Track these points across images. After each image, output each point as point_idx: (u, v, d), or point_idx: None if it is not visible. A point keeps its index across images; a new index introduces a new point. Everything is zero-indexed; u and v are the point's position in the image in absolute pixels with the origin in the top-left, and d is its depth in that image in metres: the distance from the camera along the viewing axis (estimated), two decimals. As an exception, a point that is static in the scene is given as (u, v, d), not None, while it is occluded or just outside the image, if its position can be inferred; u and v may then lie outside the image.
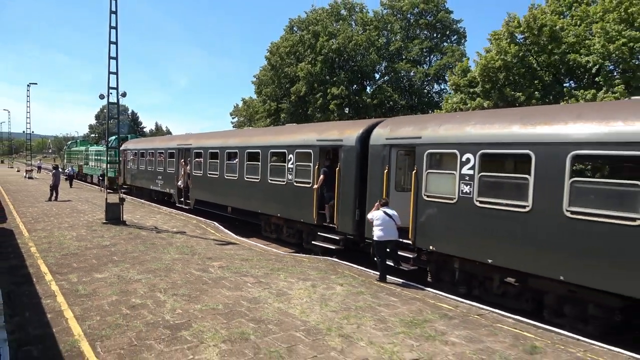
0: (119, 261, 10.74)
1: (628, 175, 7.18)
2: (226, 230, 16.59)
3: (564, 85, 18.02)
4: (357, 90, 35.22)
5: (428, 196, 9.81)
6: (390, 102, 34.38)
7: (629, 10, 15.45)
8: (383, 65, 37.66)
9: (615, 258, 6.86)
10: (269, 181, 15.04)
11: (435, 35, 36.64)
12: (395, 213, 9.69)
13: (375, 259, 10.07)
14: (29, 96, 47.53)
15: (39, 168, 55.55)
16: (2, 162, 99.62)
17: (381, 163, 11.03)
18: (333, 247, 12.50)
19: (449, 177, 9.37)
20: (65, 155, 54.45)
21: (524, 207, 7.99)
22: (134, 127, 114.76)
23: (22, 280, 9.11)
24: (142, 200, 25.71)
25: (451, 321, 7.46)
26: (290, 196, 14.06)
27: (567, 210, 7.37)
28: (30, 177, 41.63)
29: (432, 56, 36.94)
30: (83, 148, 45.04)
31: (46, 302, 7.79)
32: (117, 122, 18.84)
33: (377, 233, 9.51)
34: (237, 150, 17.05)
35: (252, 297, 8.33)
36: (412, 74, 36.27)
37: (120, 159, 31.08)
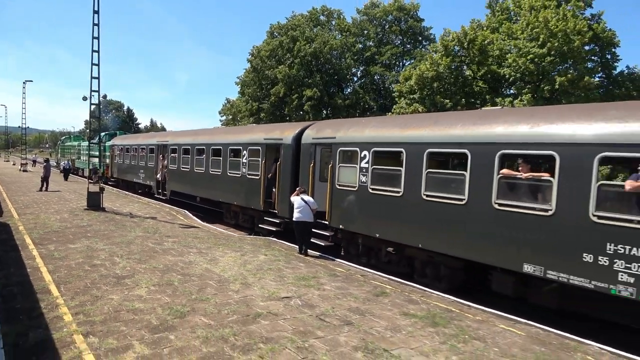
0: (90, 237, 13.05)
1: (456, 167, 9.51)
2: (193, 217, 18.94)
3: (490, 93, 20.35)
4: (333, 92, 37.51)
5: (339, 185, 12.18)
6: (363, 104, 36.71)
7: (534, 31, 17.78)
8: (360, 68, 39.97)
9: (454, 230, 9.21)
10: (228, 174, 17.39)
11: (406, 41, 38.95)
12: (312, 199, 12.05)
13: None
14: (24, 93, 49.79)
15: (34, 162, 57.68)
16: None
17: (309, 158, 13.39)
18: (274, 229, 14.86)
19: (352, 169, 11.74)
20: (59, 150, 56.60)
21: (398, 192, 10.36)
22: (129, 123, 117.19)
23: (10, 249, 11.40)
24: (126, 192, 28.01)
25: (335, 278, 9.83)
26: (244, 187, 16.40)
27: (424, 194, 9.74)
28: (25, 170, 43.83)
29: (403, 60, 39.25)
30: (76, 143, 47.26)
31: (27, 262, 10.08)
32: (99, 121, 20.90)
33: (295, 215, 11.86)
34: (204, 147, 19.39)
35: (188, 261, 10.68)
36: (385, 77, 38.60)
37: (109, 153, 33.54)
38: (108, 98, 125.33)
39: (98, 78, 19.33)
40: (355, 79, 40.83)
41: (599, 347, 6.72)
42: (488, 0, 21.49)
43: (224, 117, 51.88)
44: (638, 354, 6.49)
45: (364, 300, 8.33)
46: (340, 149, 12.20)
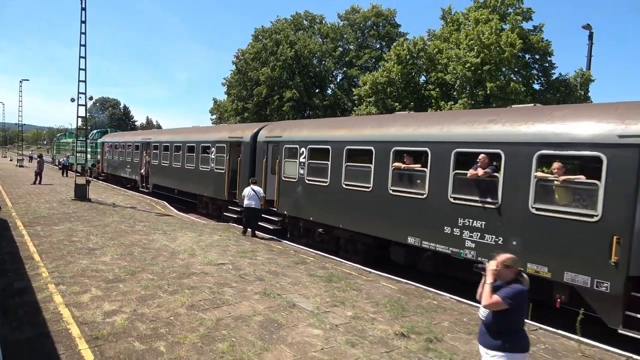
0: (73, 221, 15.15)
1: (365, 161, 11.60)
2: (170, 207, 21.05)
3: (441, 97, 22.50)
4: (315, 93, 39.59)
5: (285, 177, 14.31)
6: (342, 104, 38.81)
7: (471, 42, 19.85)
8: (340, 71, 42.06)
9: (364, 212, 11.32)
10: (200, 169, 19.51)
11: (384, 45, 41.01)
12: (260, 189, 14.18)
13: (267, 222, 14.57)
14: (21, 92, 51.77)
15: (31, 158, 59.63)
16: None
17: (262, 154, 15.51)
18: (236, 216, 16.96)
19: (294, 163, 13.86)
20: (55, 147, 58.55)
21: (325, 182, 12.49)
22: (125, 121, 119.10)
23: (3, 229, 13.49)
24: (114, 186, 30.12)
25: (270, 252, 11.96)
26: (212, 180, 18.51)
27: (344, 184, 11.87)
28: (21, 166, 45.88)
29: (380, 64, 41.35)
30: (70, 140, 49.24)
31: (17, 239, 12.18)
32: (86, 121, 22.85)
33: (245, 202, 13.98)
34: (180, 145, 21.51)
35: (152, 239, 12.81)
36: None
37: (99, 150, 35.63)
38: (105, 96, 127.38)
39: (85, 81, 21.38)
40: (338, 80, 42.87)
41: (449, 297, 8.86)
42: (442, 12, 23.63)
43: (214, 116, 54.10)
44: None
45: (284, 267, 10.46)
46: (286, 146, 14.32)
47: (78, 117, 21.54)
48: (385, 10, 40.60)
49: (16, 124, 58.45)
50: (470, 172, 8.85)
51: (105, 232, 13.49)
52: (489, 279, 4.11)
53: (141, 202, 22.19)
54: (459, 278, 9.68)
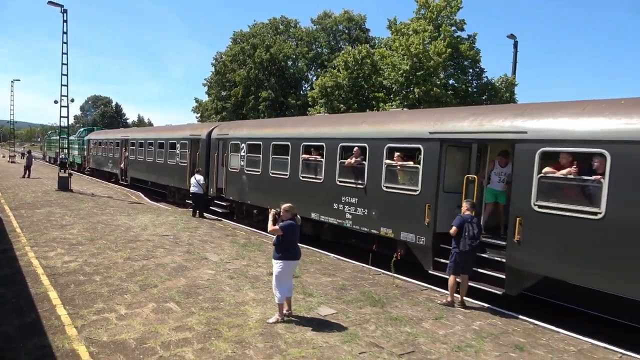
0: (53, 206, 17.83)
1: (286, 154, 14.31)
2: (143, 197, 23.73)
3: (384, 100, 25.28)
4: (290, 93, 42.28)
5: (230, 168, 17.04)
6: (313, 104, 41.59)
7: (402, 52, 22.64)
8: (314, 73, 44.76)
9: (285, 195, 14.03)
10: (168, 162, 22.21)
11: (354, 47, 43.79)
12: (202, 178, 16.86)
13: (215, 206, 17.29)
14: (12, 92, 54.18)
15: (23, 154, 62.01)
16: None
17: (215, 150, 18.23)
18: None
19: (237, 157, 16.59)
20: (46, 144, 60.96)
21: (258, 171, 15.24)
22: (117, 119, 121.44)
23: (-7, 212, 16.17)
24: (98, 179, 32.75)
25: (211, 228, 14.69)
26: (178, 172, 21.20)
27: (271, 172, 14.62)
28: (12, 162, 48.35)
29: (328, 69, 44.03)
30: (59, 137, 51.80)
31: (4, 219, 14.84)
32: (67, 120, 25.40)
33: (192, 189, 16.71)
34: (153, 141, 24.19)
35: (115, 219, 15.51)
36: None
37: (85, 147, 38.23)
38: (97, 94, 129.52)
39: (67, 85, 24.01)
40: (313, 81, 45.54)
41: (321, 252, 11.61)
42: (388, 22, 26.38)
43: (197, 115, 56.79)
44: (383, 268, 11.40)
45: (215, 237, 13.21)
46: (231, 142, 17.05)
47: (61, 117, 24.16)
48: (356, 16, 43.34)
49: (9, 121, 60.72)
50: (347, 161, 11.63)
51: (78, 214, 16.18)
52: (271, 217, 6.88)
53: (118, 192, 24.86)
54: (348, 244, 12.47)
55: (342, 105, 25.29)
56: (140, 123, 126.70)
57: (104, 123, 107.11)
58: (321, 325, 6.79)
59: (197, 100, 47.52)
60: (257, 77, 41.15)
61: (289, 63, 43.61)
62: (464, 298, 8.27)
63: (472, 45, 24.76)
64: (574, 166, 7.41)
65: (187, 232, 13.73)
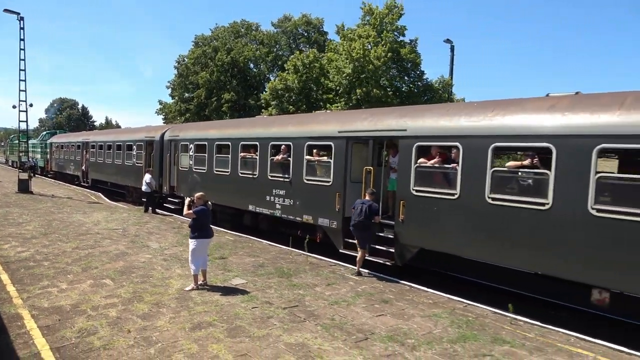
0: (12, 207, 18.74)
1: (227, 152, 15.73)
2: (104, 198, 24.70)
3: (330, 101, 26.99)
4: (250, 95, 43.54)
5: (181, 167, 18.34)
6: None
7: (345, 56, 24.41)
8: (275, 74, 46.09)
9: (225, 190, 15.44)
10: (126, 164, 23.28)
11: (305, 52, 45.41)
12: (149, 177, 18.11)
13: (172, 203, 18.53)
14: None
15: (-15, 160, 61.24)
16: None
17: (167, 150, 19.48)
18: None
19: (186, 156, 17.90)
20: (8, 148, 60.43)
21: (205, 170, 16.60)
22: (84, 121, 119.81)
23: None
24: (60, 182, 33.36)
25: (160, 223, 15.98)
26: (134, 172, 22.31)
27: (215, 170, 16.00)
28: (-26, 167, 48.06)
29: (277, 73, 45.55)
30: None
31: (-38, 218, 15.80)
32: (26, 124, 26.07)
33: (143, 187, 17.95)
34: (111, 144, 25.19)
35: (71, 216, 16.63)
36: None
37: (48, 150, 38.62)
38: (63, 96, 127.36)
39: (25, 90, 24.75)
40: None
41: (248, 237, 13.10)
42: (336, 28, 28.11)
43: (161, 116, 57.40)
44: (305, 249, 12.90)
45: (161, 230, 14.53)
46: (181, 143, 18.36)
47: (20, 121, 24.90)
48: (314, 19, 44.91)
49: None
50: (276, 158, 13.15)
51: (35, 213, 17.21)
52: (186, 204, 8.34)
53: (78, 194, 25.75)
54: (280, 232, 13.99)
55: (291, 107, 26.90)
56: (108, 125, 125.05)
57: (71, 126, 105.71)
58: (229, 291, 8.29)
59: (161, 102, 48.34)
60: (219, 79, 42.30)
61: (251, 65, 44.87)
62: (360, 269, 9.91)
63: (413, 49, 26.67)
64: (438, 157, 9.12)
65: (136, 226, 15.00)
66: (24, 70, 24.63)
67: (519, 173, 8.14)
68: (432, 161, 9.26)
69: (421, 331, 6.71)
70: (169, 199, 19.26)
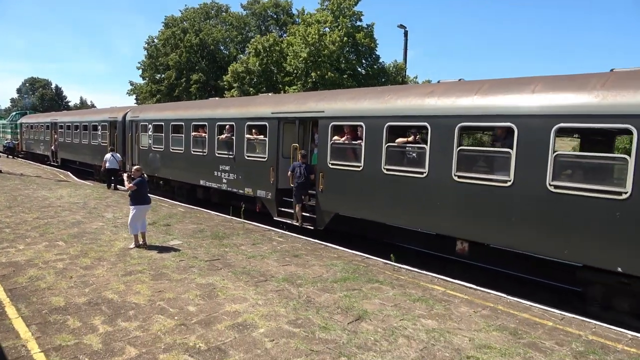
0: (-20, 184, 19.73)
1: (182, 132, 16.99)
2: (72, 176, 25.70)
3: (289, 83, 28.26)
4: (218, 76, 44.31)
5: (141, 147, 19.53)
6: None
7: (301, 40, 25.72)
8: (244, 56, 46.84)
9: (180, 167, 16.74)
10: (92, 143, 24.29)
11: (283, 32, 46.22)
12: (118, 155, 19.31)
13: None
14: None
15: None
16: None
17: (129, 130, 20.60)
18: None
19: (146, 136, 19.09)
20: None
21: (161, 148, 17.84)
22: (58, 102, 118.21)
23: None
24: (31, 162, 34.07)
25: (120, 197, 17.22)
26: (100, 151, 23.35)
27: (171, 148, 17.26)
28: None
29: (239, 56, 46.40)
30: (-6, 122, 51.57)
31: None
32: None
33: (107, 165, 19.12)
34: (78, 124, 26.09)
35: (36, 192, 17.75)
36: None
37: (18, 130, 39.09)
38: (35, 76, 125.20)
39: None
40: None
41: (199, 209, 14.53)
42: (297, 13, 29.10)
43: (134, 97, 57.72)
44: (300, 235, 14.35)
45: (119, 204, 15.81)
46: (141, 123, 19.51)
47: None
48: (282, 2, 45.61)
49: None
50: (221, 137, 14.52)
51: (2, 190, 18.27)
52: (126, 178, 9.70)
53: (47, 173, 26.68)
54: (227, 204, 15.44)
55: (251, 89, 28.08)
56: (83, 106, 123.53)
57: (44, 106, 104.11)
58: (165, 249, 9.75)
59: (132, 84, 48.76)
60: (188, 60, 42.94)
61: (221, 47, 45.53)
62: (303, 223, 11.53)
63: (369, 34, 27.95)
64: (349, 135, 10.63)
65: (96, 200, 16.27)
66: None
67: (406, 148, 9.68)
68: (343, 138, 10.76)
69: (313, 275, 8.30)
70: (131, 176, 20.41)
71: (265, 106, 13.23)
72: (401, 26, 26.91)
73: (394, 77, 27.80)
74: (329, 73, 25.13)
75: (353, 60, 27.52)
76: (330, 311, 6.60)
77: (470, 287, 8.01)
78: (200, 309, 6.55)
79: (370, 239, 11.72)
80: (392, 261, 9.23)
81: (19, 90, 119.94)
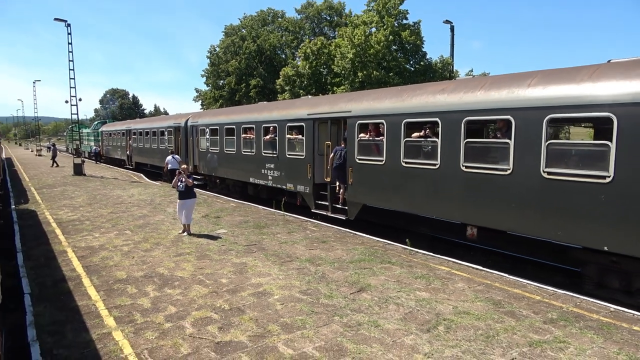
0: (67, 186, 22.75)
1: (233, 134, 18.63)
2: (145, 177, 28.54)
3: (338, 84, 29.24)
4: (276, 80, 46.40)
5: (200, 149, 21.53)
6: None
7: (348, 42, 26.49)
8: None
9: (235, 166, 18.44)
10: (160, 147, 26.89)
11: (337, 33, 47.41)
12: (178, 157, 21.44)
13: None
14: (35, 92, 59.83)
15: (49, 148, 68.11)
16: (20, 144, 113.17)
17: (190, 134, 22.75)
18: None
19: (204, 139, 21.05)
20: (67, 137, 66.82)
21: (217, 150, 19.67)
22: (135, 110, 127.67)
23: (23, 191, 21.17)
24: (111, 166, 37.87)
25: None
26: (166, 154, 25.82)
27: (225, 150, 19.03)
28: (39, 155, 54.21)
29: (289, 61, 47.63)
30: (81, 130, 57.32)
31: (30, 195, 19.80)
32: (77, 116, 30.20)
33: (168, 166, 21.28)
34: (148, 130, 28.92)
35: (112, 191, 20.26)
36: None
37: (100, 138, 43.38)
38: (115, 87, 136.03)
39: (74, 88, 28.77)
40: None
41: (230, 199, 16.04)
42: (344, 15, 30.04)
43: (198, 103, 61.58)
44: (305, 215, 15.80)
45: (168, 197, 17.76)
46: (200, 128, 21.53)
47: (72, 114, 29.08)
48: (335, 4, 46.83)
49: (34, 118, 66.62)
50: (265, 137, 15.97)
51: (85, 190, 21.03)
52: (180, 177, 11.32)
53: (124, 175, 29.78)
54: (274, 198, 16.88)
55: (301, 91, 29.52)
56: (157, 112, 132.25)
57: (123, 115, 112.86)
58: (212, 237, 11.27)
59: (197, 90, 52.25)
60: (247, 66, 45.38)
61: (278, 52, 47.60)
62: (335, 214, 12.70)
63: (415, 32, 28.38)
64: (373, 132, 11.59)
65: (161, 198, 18.37)
66: (73, 70, 28.63)
67: (422, 142, 10.47)
68: (367, 135, 11.74)
69: (333, 257, 9.40)
70: (193, 176, 22.53)
71: (302, 108, 14.47)
72: (447, 21, 27.12)
73: (441, 72, 28.06)
74: (375, 72, 25.98)
75: (400, 58, 28.13)
76: (339, 284, 7.68)
77: (475, 268, 8.73)
78: (230, 281, 7.89)
79: (396, 227, 12.58)
80: (408, 246, 10.10)
81: (101, 101, 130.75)
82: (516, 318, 6.30)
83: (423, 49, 28.97)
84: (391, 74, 26.89)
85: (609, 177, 7.01)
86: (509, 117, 8.38)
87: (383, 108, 11.19)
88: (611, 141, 6.96)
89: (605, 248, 7.17)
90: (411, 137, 10.58)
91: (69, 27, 28.37)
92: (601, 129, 7.96)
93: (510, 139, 8.34)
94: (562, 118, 7.75)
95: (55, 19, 27.99)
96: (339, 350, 5.38)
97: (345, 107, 12.51)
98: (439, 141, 9.77)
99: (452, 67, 28.36)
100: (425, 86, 10.80)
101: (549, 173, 7.77)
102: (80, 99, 30.64)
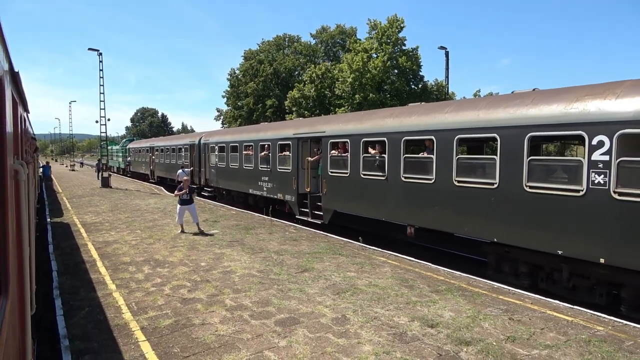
0: (94, 196, 25.64)
1: (235, 151, 21.08)
2: (164, 190, 31.34)
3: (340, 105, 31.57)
4: (291, 100, 49.17)
5: (211, 164, 24.10)
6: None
7: (347, 67, 28.81)
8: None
9: (238, 180, 20.87)
10: (178, 163, 29.69)
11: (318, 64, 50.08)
12: (188, 170, 24.04)
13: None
14: (70, 111, 64.53)
15: (82, 164, 72.63)
16: (56, 160, 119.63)
17: (202, 151, 25.40)
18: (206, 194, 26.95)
19: (214, 155, 23.61)
20: (99, 153, 71.18)
21: (224, 165, 22.17)
22: (163, 128, 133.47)
23: (57, 199, 24.11)
24: (135, 180, 41.06)
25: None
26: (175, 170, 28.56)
27: (230, 165, 21.52)
28: (72, 170, 58.34)
29: (295, 84, 50.22)
30: (109, 147, 61.38)
31: (60, 199, 22.68)
32: (106, 134, 33.40)
33: (179, 178, 23.87)
34: (169, 147, 31.84)
35: (131, 201, 22.96)
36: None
37: (127, 154, 46.81)
38: (145, 106, 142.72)
39: (104, 109, 32.03)
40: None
41: (223, 205, 18.35)
42: (348, 43, 32.54)
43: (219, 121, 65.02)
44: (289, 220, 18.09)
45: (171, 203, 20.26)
46: (210, 145, 24.14)
47: (101, 133, 32.28)
48: (347, 29, 49.59)
49: (77, 134, 71.32)
50: (262, 154, 18.35)
51: (109, 200, 23.82)
52: (182, 189, 13.73)
53: (146, 188, 32.69)
54: (268, 207, 19.15)
55: (307, 112, 32.00)
56: (184, 130, 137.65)
57: (152, 132, 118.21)
58: (205, 235, 13.60)
59: (218, 110, 55.60)
60: (264, 87, 48.38)
61: (295, 74, 50.51)
62: (314, 219, 14.82)
63: (412, 57, 30.59)
64: (340, 149, 13.79)
65: (172, 206, 20.77)
66: (103, 93, 31.94)
67: (375, 158, 12.58)
68: (337, 152, 13.94)
69: (297, 250, 11.55)
70: (205, 188, 25.14)
71: (289, 129, 16.82)
72: (442, 47, 29.19)
73: (436, 95, 30.10)
74: (371, 94, 28.26)
75: (396, 82, 30.37)
76: (289, 267, 9.84)
77: (408, 259, 10.73)
78: (208, 264, 10.15)
79: (360, 230, 14.63)
80: (362, 243, 12.17)
81: (132, 119, 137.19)
82: (411, 289, 8.31)
83: (420, 73, 31.17)
84: (388, 95, 29.08)
85: (582, 190, 8.11)
86: (495, 135, 10.32)
87: (348, 129, 13.40)
88: (584, 157, 7.81)
89: (495, 239, 9.10)
90: (369, 153, 12.72)
91: (100, 56, 31.78)
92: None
93: (496, 155, 10.26)
94: (541, 136, 8.86)
95: (89, 49, 31.45)
96: (267, 302, 7.54)
97: (321, 128, 14.78)
98: (386, 156, 11.88)
99: (447, 89, 30.37)
100: (378, 112, 12.98)
101: (530, 187, 8.90)
102: (109, 119, 33.86)
